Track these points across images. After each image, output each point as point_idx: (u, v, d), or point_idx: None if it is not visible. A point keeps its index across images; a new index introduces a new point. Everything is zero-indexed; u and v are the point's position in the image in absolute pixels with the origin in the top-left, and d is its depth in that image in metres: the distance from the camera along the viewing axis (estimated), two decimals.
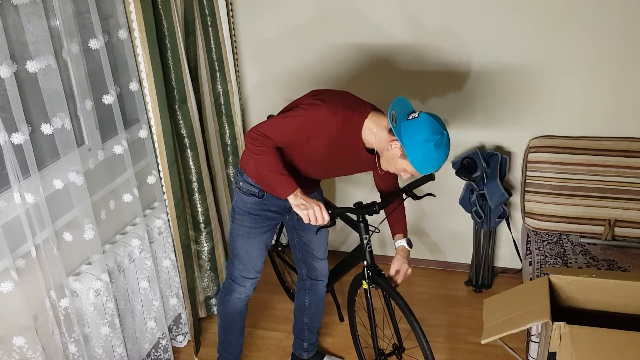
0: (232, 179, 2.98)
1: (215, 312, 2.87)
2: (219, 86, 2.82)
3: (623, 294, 1.92)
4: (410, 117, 1.73)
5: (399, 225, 2.13)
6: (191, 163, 2.52)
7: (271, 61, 2.96)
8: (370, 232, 2.08)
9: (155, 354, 2.51)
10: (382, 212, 2.08)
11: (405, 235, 2.12)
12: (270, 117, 2.07)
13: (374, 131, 1.80)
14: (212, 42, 2.72)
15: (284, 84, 3.00)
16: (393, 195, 2.08)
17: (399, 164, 1.77)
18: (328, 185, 3.18)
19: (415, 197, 2.07)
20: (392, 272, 2.09)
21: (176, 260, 2.50)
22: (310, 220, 1.83)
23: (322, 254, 2.29)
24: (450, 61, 2.73)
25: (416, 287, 3.09)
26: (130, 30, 2.09)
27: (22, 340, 1.75)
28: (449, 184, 2.96)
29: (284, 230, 2.91)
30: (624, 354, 1.66)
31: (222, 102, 2.85)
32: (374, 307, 2.18)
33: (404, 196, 2.09)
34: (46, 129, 1.79)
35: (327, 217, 1.84)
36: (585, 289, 1.95)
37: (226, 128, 2.91)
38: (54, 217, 1.90)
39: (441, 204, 3.04)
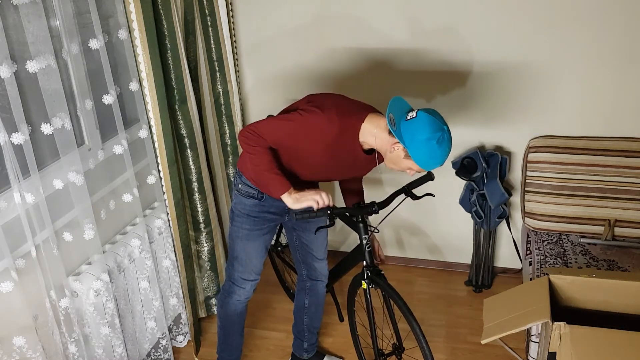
0: (232, 179, 2.98)
1: (215, 312, 2.87)
2: (219, 86, 2.82)
3: (623, 294, 1.92)
4: (409, 117, 1.73)
5: (359, 197, 2.17)
6: (191, 163, 2.52)
7: (271, 61, 2.97)
8: (370, 232, 2.08)
9: (155, 354, 2.51)
10: (380, 212, 2.08)
11: None
12: (269, 117, 2.07)
13: (373, 133, 1.80)
14: (212, 42, 2.72)
15: (284, 84, 3.00)
16: (391, 196, 2.08)
17: (403, 163, 1.78)
18: (328, 185, 3.18)
19: (415, 197, 2.07)
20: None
21: (176, 260, 2.50)
22: (314, 205, 1.85)
23: (321, 254, 2.29)
24: (450, 62, 2.73)
25: (416, 287, 3.09)
26: (130, 30, 2.09)
27: (22, 340, 1.75)
28: (449, 184, 2.96)
29: (284, 230, 2.91)
30: (624, 354, 1.66)
31: (222, 102, 2.85)
32: (373, 307, 2.18)
33: (403, 196, 2.09)
34: (46, 129, 1.80)
35: (326, 200, 1.86)
36: (585, 289, 1.96)
37: (226, 128, 2.91)
38: (54, 217, 1.90)
39: (441, 204, 3.04)
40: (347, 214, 2.13)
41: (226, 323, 2.31)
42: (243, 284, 2.20)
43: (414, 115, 1.72)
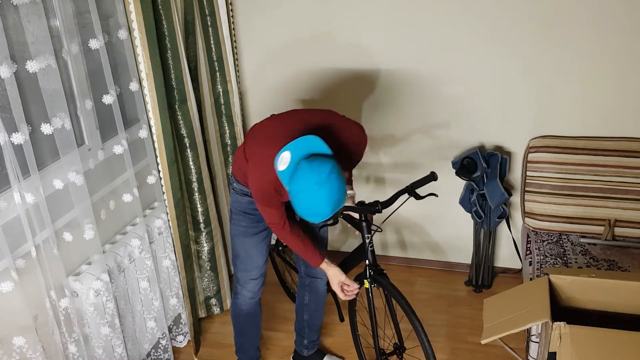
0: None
1: (215, 312, 2.88)
2: (219, 86, 2.82)
3: (623, 294, 1.92)
4: (299, 162, 1.66)
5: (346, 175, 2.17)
6: (191, 163, 2.52)
7: (271, 61, 2.96)
8: (373, 232, 2.08)
9: (155, 354, 2.51)
10: (384, 211, 2.07)
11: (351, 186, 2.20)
12: (272, 116, 2.07)
13: None
14: (212, 42, 2.71)
15: (284, 83, 3.00)
16: (395, 195, 2.08)
17: None
18: None
19: (418, 197, 2.07)
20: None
21: (176, 260, 2.50)
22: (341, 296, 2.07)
23: (321, 251, 2.29)
24: (450, 61, 2.73)
25: (416, 287, 3.09)
26: (130, 30, 2.09)
27: (22, 340, 1.75)
28: (449, 184, 2.96)
29: None
30: (624, 354, 1.66)
31: (222, 102, 2.85)
32: (375, 306, 2.18)
33: (406, 196, 2.09)
34: (46, 129, 1.79)
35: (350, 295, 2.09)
36: (585, 289, 1.96)
37: (226, 128, 2.91)
38: (54, 217, 1.90)
39: (441, 203, 3.04)
40: (350, 213, 2.13)
41: (236, 323, 2.34)
42: (246, 283, 2.21)
43: (299, 163, 1.65)
